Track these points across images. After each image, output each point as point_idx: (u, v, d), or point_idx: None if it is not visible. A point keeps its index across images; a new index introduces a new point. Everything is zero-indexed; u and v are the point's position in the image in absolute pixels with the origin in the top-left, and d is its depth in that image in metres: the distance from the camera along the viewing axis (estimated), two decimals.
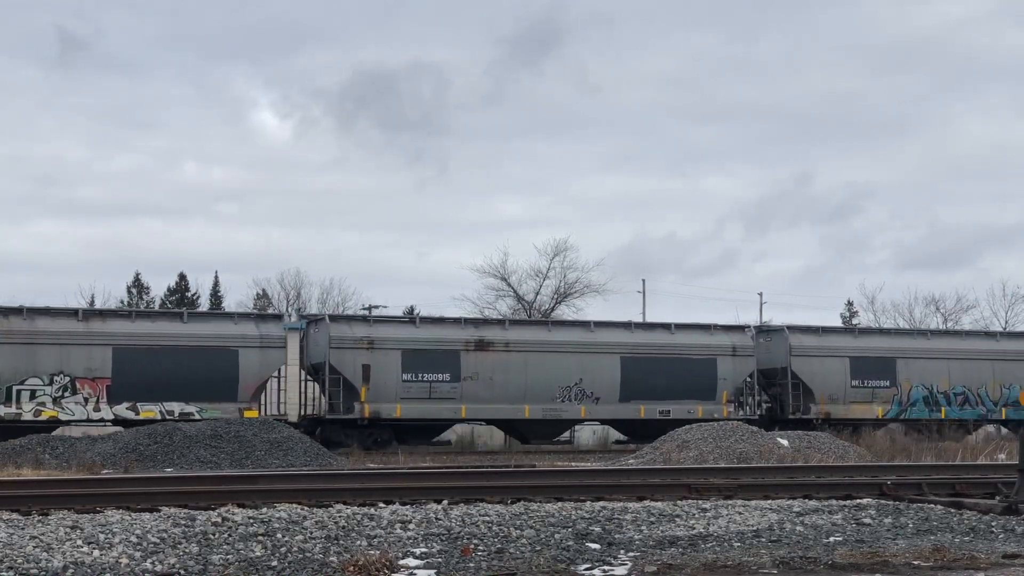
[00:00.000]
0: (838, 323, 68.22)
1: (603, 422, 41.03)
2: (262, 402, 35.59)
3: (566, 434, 43.22)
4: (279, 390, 36.30)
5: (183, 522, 12.55)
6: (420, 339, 37.20)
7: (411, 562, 11.15)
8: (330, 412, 36.37)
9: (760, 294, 76.52)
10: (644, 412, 38.56)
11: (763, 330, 43.59)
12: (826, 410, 40.07)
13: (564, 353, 38.39)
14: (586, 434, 44.10)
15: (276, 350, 35.81)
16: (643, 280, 72.76)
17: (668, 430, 36.95)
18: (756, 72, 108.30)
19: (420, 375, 36.76)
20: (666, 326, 41.05)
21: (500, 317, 38.69)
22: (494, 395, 37.26)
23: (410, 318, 43.05)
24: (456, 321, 40.05)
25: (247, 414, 33.70)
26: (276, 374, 36.12)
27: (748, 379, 40.58)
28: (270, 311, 62.90)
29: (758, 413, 40.92)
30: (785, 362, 40.62)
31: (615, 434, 42.21)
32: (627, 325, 41.10)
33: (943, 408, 41.35)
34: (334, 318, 38.94)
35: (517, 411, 37.48)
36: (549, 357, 38.18)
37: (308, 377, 37.83)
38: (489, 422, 39.66)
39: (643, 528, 13.31)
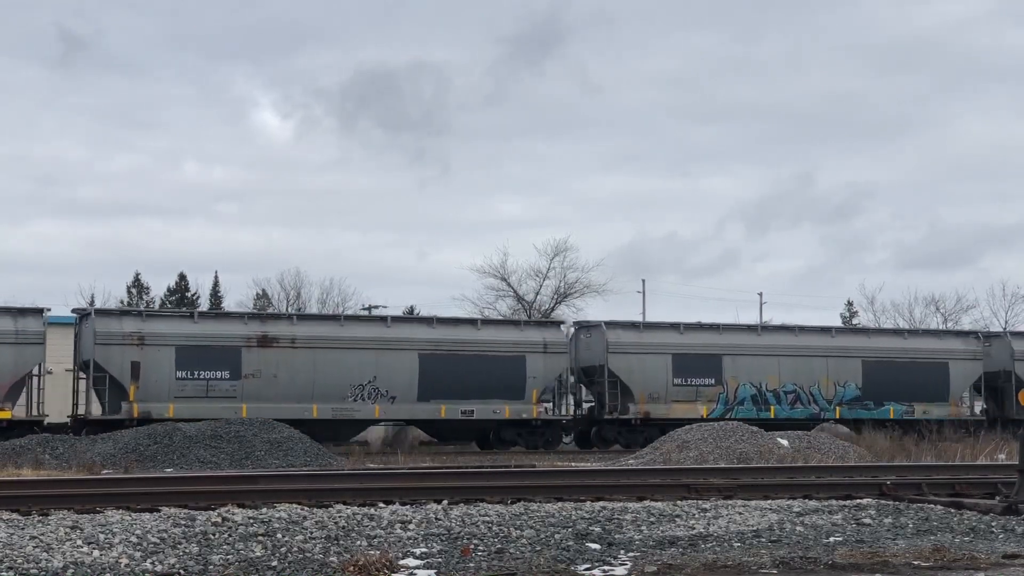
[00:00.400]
0: (838, 323, 68.18)
1: (400, 422, 39.06)
2: (22, 401, 34.12)
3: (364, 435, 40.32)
4: (38, 389, 34.52)
5: (183, 522, 12.55)
6: (197, 335, 35.50)
7: (411, 562, 11.15)
8: (102, 413, 34.87)
9: (760, 294, 76.64)
10: (445, 412, 36.78)
11: (583, 326, 41.83)
12: (645, 409, 38.62)
13: (357, 350, 36.59)
14: (375, 434, 40.78)
15: (33, 346, 34.01)
16: (643, 280, 72.88)
17: (476, 430, 36.00)
18: (757, 72, 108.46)
19: (196, 373, 35.10)
20: (472, 322, 40.01)
21: (289, 312, 37.00)
22: (279, 394, 35.55)
23: (188, 312, 41.28)
24: (239, 316, 38.45)
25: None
26: (35, 372, 34.54)
27: (561, 377, 39.25)
28: (263, 310, 62.66)
29: (577, 413, 39.86)
30: (603, 359, 38.94)
31: (421, 435, 40.28)
32: (428, 320, 39.41)
33: (772, 407, 40.08)
34: (101, 312, 36.94)
35: (304, 411, 35.50)
36: (340, 354, 36.38)
37: (82, 375, 35.99)
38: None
39: (643, 528, 13.31)
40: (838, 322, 72.06)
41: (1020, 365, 43.07)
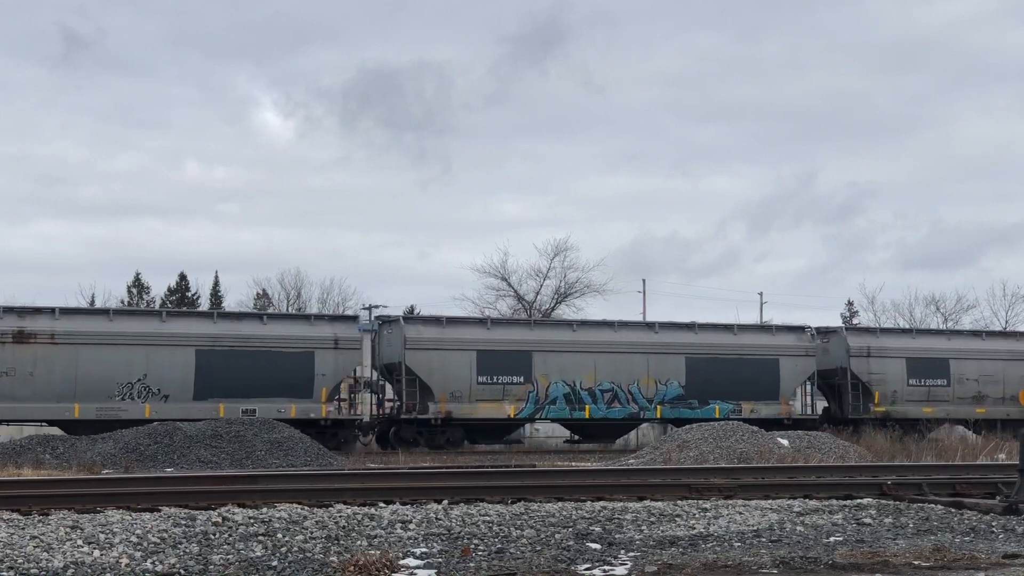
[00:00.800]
0: (838, 323, 68.17)
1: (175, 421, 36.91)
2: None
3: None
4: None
5: (183, 522, 12.55)
6: None
7: (411, 562, 11.15)
8: None
9: (760, 294, 76.60)
10: (224, 411, 34.59)
11: (385, 321, 40.14)
12: (447, 409, 36.87)
13: (125, 345, 34.74)
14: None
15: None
16: (643, 280, 72.87)
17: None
18: (759, 72, 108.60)
19: None
20: (257, 316, 38.11)
21: (51, 306, 35.39)
22: (35, 393, 33.79)
23: None
24: None
25: None
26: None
27: (355, 374, 37.51)
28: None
29: (380, 412, 38.31)
30: (401, 356, 37.32)
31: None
32: (208, 314, 38.13)
33: (587, 407, 38.34)
34: None
35: (65, 411, 33.94)
36: (106, 350, 34.50)
37: None
38: (30, 422, 35.63)
39: (643, 528, 13.31)
40: (838, 322, 72.04)
41: (856, 362, 41.40)
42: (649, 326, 41.23)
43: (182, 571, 10.59)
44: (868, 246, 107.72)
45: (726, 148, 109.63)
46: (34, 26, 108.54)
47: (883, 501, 15.72)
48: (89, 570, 10.42)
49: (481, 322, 39.86)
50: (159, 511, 13.39)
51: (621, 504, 14.73)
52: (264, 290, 74.29)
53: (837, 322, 70.66)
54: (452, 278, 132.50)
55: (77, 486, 15.73)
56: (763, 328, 44.32)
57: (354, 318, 40.32)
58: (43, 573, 10.28)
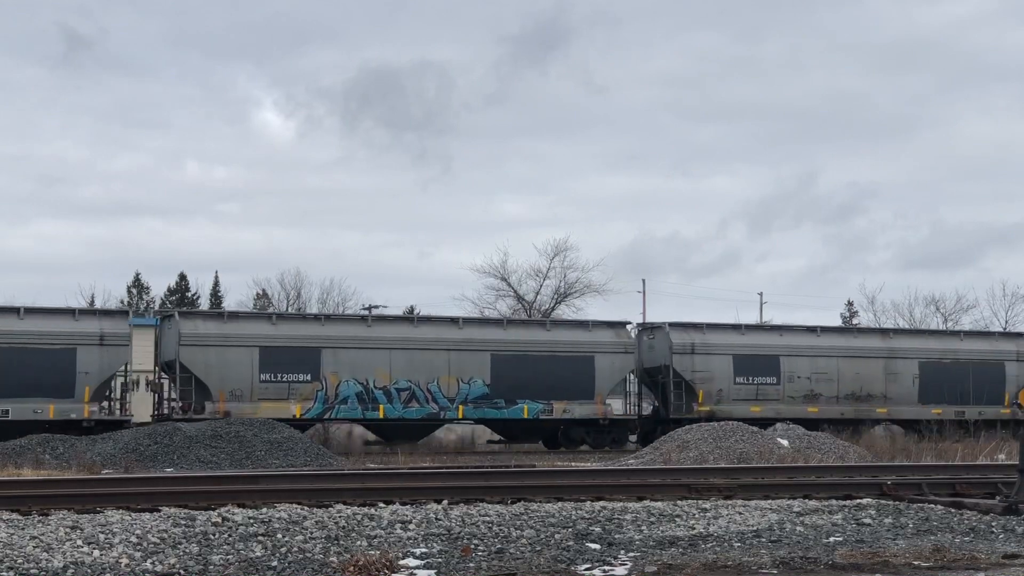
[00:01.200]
0: (837, 323, 68.20)
1: None
2: None
3: None
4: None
5: (183, 522, 12.55)
6: None
7: (411, 562, 11.15)
8: None
9: (760, 294, 76.56)
10: None
11: (166, 316, 37.75)
12: (226, 408, 34.50)
13: None
14: None
15: None
16: (643, 280, 72.85)
17: (17, 432, 30.52)
18: (759, 72, 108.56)
19: None
20: (14, 311, 35.24)
21: None
22: None
23: None
24: None
25: None
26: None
27: (126, 372, 35.31)
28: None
29: (156, 413, 35.81)
30: (176, 352, 35.04)
31: None
32: None
33: (382, 406, 35.95)
34: None
35: None
36: None
37: None
38: None
39: (643, 528, 13.32)
40: (838, 322, 72.12)
41: (679, 359, 38.92)
42: (453, 321, 38.87)
43: (182, 571, 10.59)
44: (868, 246, 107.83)
45: (726, 148, 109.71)
46: (34, 26, 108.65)
47: (883, 501, 15.73)
48: (89, 570, 10.42)
49: (266, 317, 37.59)
50: (159, 511, 13.39)
51: (621, 504, 14.73)
52: (264, 290, 74.39)
53: (837, 322, 70.87)
54: (452, 278, 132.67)
55: (77, 486, 15.74)
56: (579, 324, 41.56)
57: (124, 312, 37.84)
58: (43, 573, 10.28)
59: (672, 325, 40.10)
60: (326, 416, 35.77)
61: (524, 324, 40.16)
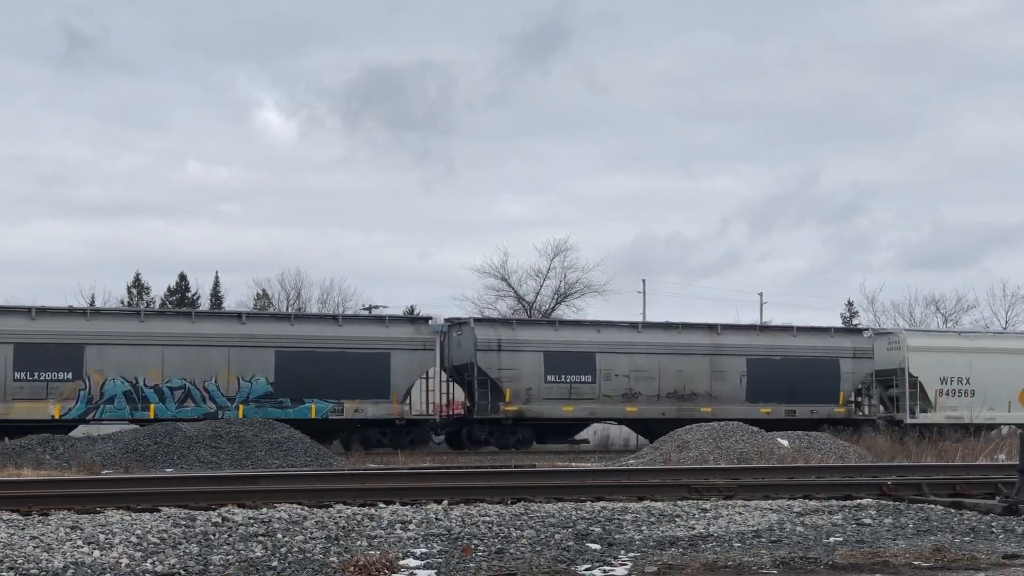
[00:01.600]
0: (838, 323, 68.10)
1: None
2: None
3: None
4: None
5: (183, 522, 12.55)
6: None
7: (411, 562, 11.15)
8: None
9: (760, 294, 76.53)
10: None
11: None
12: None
13: None
14: None
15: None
16: (643, 280, 72.86)
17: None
18: (760, 72, 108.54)
19: None
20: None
21: None
22: None
23: None
24: None
25: None
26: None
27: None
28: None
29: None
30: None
31: None
32: None
33: (153, 406, 34.12)
34: None
35: None
36: None
37: None
38: None
39: (643, 528, 13.32)
40: (838, 322, 72.06)
41: (483, 356, 37.17)
42: (236, 316, 37.36)
43: (182, 571, 10.59)
44: (869, 246, 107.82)
45: (727, 148, 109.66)
46: (36, 26, 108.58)
47: (883, 501, 15.72)
48: (89, 570, 10.42)
49: (24, 311, 35.14)
50: (159, 511, 13.39)
51: (621, 504, 14.73)
52: (264, 290, 74.43)
53: (837, 322, 70.82)
54: (453, 278, 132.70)
55: (77, 486, 15.74)
56: (375, 319, 40.59)
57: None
58: (43, 573, 10.29)
59: (477, 320, 39.40)
60: (89, 417, 33.98)
61: (313, 319, 38.97)
